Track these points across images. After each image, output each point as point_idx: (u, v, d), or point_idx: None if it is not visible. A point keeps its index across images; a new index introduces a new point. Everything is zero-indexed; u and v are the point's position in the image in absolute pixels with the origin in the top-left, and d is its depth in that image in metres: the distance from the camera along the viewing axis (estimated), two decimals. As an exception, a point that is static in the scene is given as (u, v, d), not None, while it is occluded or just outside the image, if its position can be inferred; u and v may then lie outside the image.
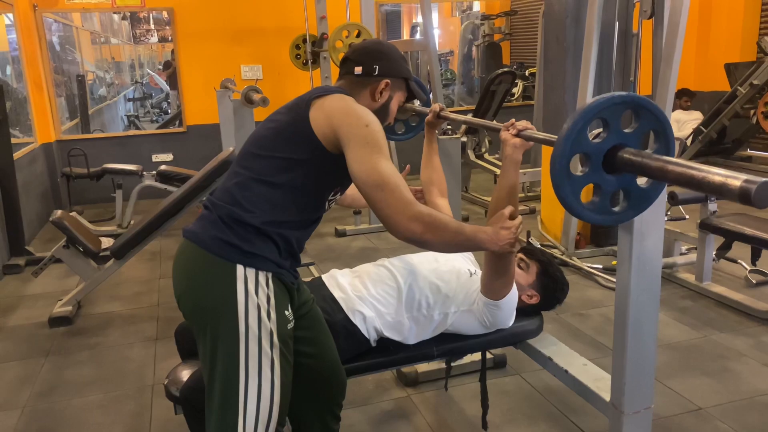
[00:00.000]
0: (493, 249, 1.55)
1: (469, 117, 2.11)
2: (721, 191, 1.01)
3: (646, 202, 1.27)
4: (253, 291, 1.48)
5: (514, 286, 1.86)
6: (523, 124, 1.64)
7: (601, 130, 1.20)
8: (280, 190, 1.51)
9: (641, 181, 1.26)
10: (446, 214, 2.16)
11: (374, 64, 1.63)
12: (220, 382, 1.49)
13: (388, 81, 1.65)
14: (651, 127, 1.23)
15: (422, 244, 1.48)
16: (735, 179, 0.99)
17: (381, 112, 1.67)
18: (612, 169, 1.21)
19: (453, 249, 1.61)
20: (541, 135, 1.58)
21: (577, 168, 1.20)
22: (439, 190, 2.15)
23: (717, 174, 1.02)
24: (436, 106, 2.16)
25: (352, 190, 1.97)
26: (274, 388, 1.51)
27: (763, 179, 0.95)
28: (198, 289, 1.52)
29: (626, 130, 1.20)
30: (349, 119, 1.49)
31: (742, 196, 0.97)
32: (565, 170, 1.18)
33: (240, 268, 1.48)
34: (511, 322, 1.93)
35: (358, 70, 1.64)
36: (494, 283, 1.81)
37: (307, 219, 1.60)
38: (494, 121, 1.89)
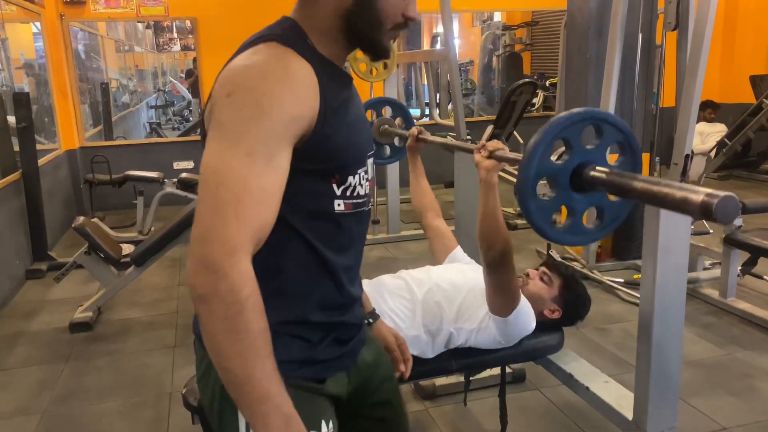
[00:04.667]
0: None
1: (444, 139, 2.10)
2: (683, 207, 0.98)
3: (619, 217, 1.26)
4: None
5: (523, 298, 1.82)
6: (493, 144, 1.61)
7: (563, 150, 1.19)
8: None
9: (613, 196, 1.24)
10: (447, 236, 2.16)
11: None
12: None
13: None
14: (614, 140, 1.21)
15: (195, 305, 0.89)
16: (696, 193, 0.96)
17: (362, 25, 1.00)
18: (581, 188, 1.19)
19: (217, 347, 0.88)
20: (512, 155, 1.55)
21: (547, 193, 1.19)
22: (434, 213, 2.16)
23: (678, 189, 1.00)
24: (414, 130, 2.17)
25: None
26: None
27: (726, 193, 0.92)
28: (204, 401, 1.13)
29: (589, 147, 1.19)
30: (215, 92, 0.97)
31: (704, 210, 0.94)
32: (531, 196, 1.16)
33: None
34: (530, 329, 1.87)
35: None
36: (497, 301, 1.77)
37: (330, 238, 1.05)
38: (468, 143, 1.86)
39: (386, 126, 2.51)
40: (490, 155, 1.60)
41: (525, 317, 1.83)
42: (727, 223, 0.94)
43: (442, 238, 2.17)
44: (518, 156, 1.51)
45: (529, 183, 1.15)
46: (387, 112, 2.62)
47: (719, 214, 0.92)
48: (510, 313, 1.77)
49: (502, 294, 1.74)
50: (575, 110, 1.16)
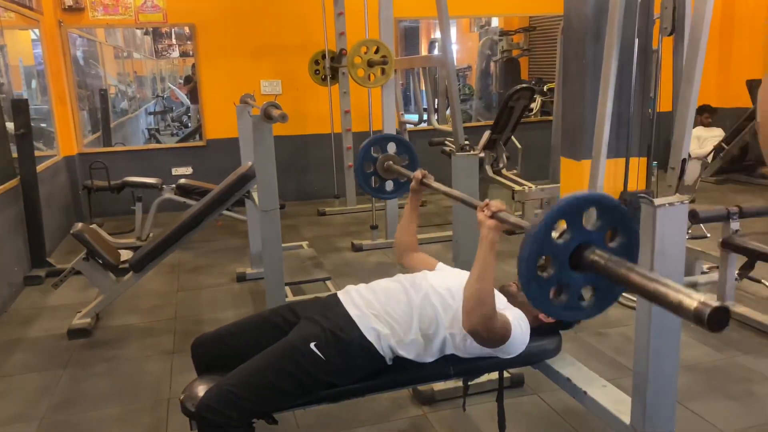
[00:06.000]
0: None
1: (449, 189, 2.09)
2: (677, 310, 1.00)
3: (614, 295, 1.28)
4: None
5: (514, 323, 1.78)
6: (496, 205, 1.62)
7: (564, 229, 1.21)
8: None
9: None
10: (427, 261, 2.19)
11: None
12: None
13: None
14: (613, 225, 1.25)
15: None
16: (690, 299, 0.97)
17: None
18: (578, 267, 1.22)
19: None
20: (514, 219, 1.57)
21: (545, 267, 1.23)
22: (413, 251, 2.24)
23: (675, 291, 1.01)
24: (418, 173, 2.19)
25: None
26: None
27: (719, 304, 0.94)
28: None
29: (589, 228, 1.22)
30: None
31: (697, 317, 0.96)
32: (532, 273, 1.19)
33: None
34: (524, 346, 1.87)
35: None
36: (487, 344, 1.74)
37: None
38: (472, 200, 1.84)
39: (390, 163, 2.55)
40: (493, 215, 1.61)
41: (518, 340, 1.81)
42: (717, 332, 0.97)
43: (422, 264, 2.19)
44: (521, 222, 1.53)
45: (531, 265, 1.19)
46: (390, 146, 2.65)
47: (711, 324, 0.95)
48: (502, 344, 1.77)
49: (490, 342, 1.75)
50: (579, 194, 1.20)
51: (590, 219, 1.22)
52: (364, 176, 2.56)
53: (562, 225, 1.21)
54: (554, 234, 1.20)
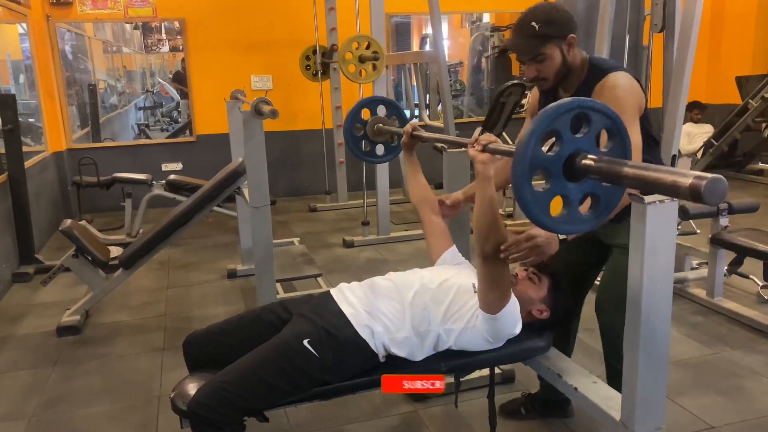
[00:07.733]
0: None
1: (438, 135, 2.10)
2: (673, 191, 1.00)
3: (612, 203, 1.27)
4: None
5: (513, 297, 1.83)
6: (486, 137, 1.63)
7: (554, 141, 1.20)
8: None
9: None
10: (442, 234, 2.19)
11: None
12: None
13: None
14: (603, 126, 1.23)
15: None
16: (685, 177, 0.98)
17: None
18: (574, 177, 1.20)
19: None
20: (505, 147, 1.57)
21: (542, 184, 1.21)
22: (431, 208, 2.20)
23: (668, 173, 1.03)
24: (408, 127, 2.20)
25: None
26: None
27: (714, 175, 0.94)
28: None
29: (578, 136, 1.20)
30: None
31: (693, 193, 0.96)
32: (527, 186, 1.17)
33: None
34: (516, 331, 1.88)
35: None
36: (489, 296, 1.78)
37: None
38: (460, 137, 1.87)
39: (380, 124, 2.52)
40: (484, 148, 1.62)
41: (512, 317, 1.83)
42: (714, 204, 0.97)
43: (436, 236, 2.18)
44: (512, 148, 1.52)
45: (525, 174, 1.16)
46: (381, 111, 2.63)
47: (707, 196, 0.94)
48: (499, 310, 1.78)
49: (494, 288, 1.76)
50: (563, 100, 1.18)
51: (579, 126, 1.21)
52: (354, 140, 2.53)
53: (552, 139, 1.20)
54: (545, 148, 1.18)
